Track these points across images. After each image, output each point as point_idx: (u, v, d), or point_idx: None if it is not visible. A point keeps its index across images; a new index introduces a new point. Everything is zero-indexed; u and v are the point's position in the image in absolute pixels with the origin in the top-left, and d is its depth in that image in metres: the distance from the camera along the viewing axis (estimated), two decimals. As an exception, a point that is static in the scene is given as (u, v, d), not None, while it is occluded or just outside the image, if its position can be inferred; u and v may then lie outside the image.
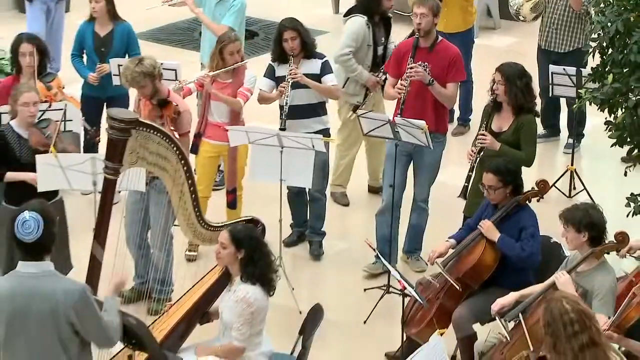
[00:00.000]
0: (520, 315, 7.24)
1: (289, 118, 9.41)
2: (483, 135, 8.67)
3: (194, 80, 9.40)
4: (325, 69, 9.52)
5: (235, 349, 7.29)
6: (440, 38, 9.35)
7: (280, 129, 9.25)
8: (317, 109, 9.60)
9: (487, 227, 7.89)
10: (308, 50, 9.49)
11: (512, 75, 8.61)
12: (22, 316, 5.94)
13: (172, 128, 8.55)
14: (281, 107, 9.43)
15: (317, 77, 9.45)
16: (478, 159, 8.69)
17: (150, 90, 8.69)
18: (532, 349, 6.92)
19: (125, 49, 10.17)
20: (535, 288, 7.41)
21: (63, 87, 9.60)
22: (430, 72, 9.15)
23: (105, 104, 10.04)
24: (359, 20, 10.13)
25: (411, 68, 9.10)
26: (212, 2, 10.71)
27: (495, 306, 7.45)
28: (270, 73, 9.60)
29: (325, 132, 9.54)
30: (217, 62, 9.39)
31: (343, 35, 10.27)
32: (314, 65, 9.50)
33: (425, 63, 9.19)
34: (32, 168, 8.25)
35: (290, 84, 9.34)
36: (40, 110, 8.65)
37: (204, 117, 9.52)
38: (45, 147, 8.35)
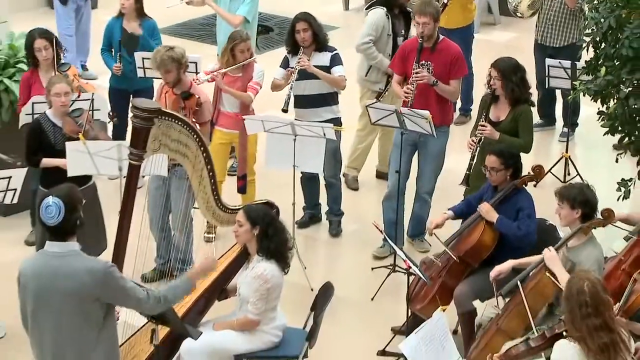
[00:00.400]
0: (518, 283, 7.25)
1: (303, 107, 9.45)
2: (483, 125, 8.67)
3: (207, 79, 9.39)
4: (335, 61, 9.49)
5: (251, 321, 7.32)
6: (441, 37, 9.31)
7: (282, 110, 9.29)
8: (327, 99, 9.58)
9: (486, 210, 7.89)
10: (319, 42, 9.48)
11: (507, 70, 8.63)
12: (47, 292, 5.96)
13: (193, 120, 8.55)
14: (287, 97, 9.41)
15: (326, 69, 9.43)
16: (478, 148, 8.70)
17: (174, 76, 8.70)
18: (529, 315, 6.93)
19: (150, 43, 10.15)
20: (532, 259, 7.42)
21: (80, 75, 9.56)
22: (433, 70, 9.14)
23: (131, 95, 10.04)
24: (379, 12, 10.16)
25: (417, 73, 9.08)
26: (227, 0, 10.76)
27: (493, 272, 7.47)
28: (284, 63, 9.61)
29: (336, 121, 9.52)
30: (227, 59, 9.40)
31: (364, 25, 10.29)
32: (324, 58, 9.48)
33: (429, 62, 9.17)
34: (65, 154, 8.26)
35: (297, 70, 9.33)
36: (71, 100, 8.66)
37: (216, 107, 9.52)
38: (78, 135, 8.35)
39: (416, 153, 9.42)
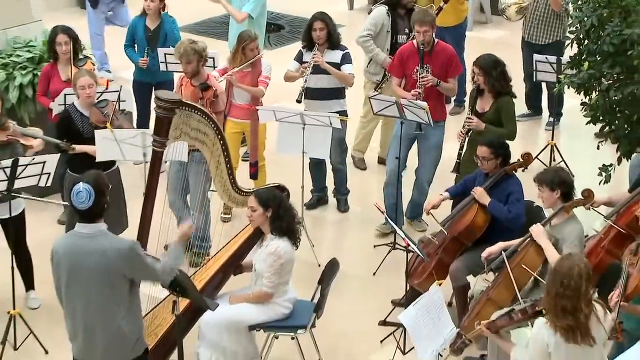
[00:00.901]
0: (504, 256, 7.29)
1: (313, 99, 9.48)
2: (470, 118, 8.72)
3: (223, 79, 9.37)
4: (345, 59, 9.51)
5: (265, 294, 7.36)
6: (436, 40, 9.32)
7: (297, 101, 9.34)
8: (336, 93, 9.60)
9: (480, 193, 7.93)
10: (332, 41, 9.48)
11: (487, 67, 8.71)
12: (77, 269, 6.01)
13: (210, 110, 8.56)
14: (301, 90, 9.44)
15: (337, 66, 9.44)
16: (467, 138, 8.76)
17: (194, 67, 8.72)
18: (515, 286, 6.95)
19: (170, 40, 10.15)
20: (519, 240, 7.46)
21: (94, 69, 9.54)
22: (432, 71, 9.16)
23: (153, 88, 10.04)
24: (381, 9, 10.18)
25: (422, 77, 9.11)
26: None
27: (484, 253, 7.53)
28: (299, 57, 9.63)
29: (343, 113, 9.54)
30: (240, 59, 9.38)
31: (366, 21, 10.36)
32: (336, 55, 9.49)
33: (428, 65, 9.19)
34: (92, 142, 8.27)
35: (311, 66, 9.35)
36: (98, 92, 8.68)
37: (228, 100, 9.53)
38: (103, 124, 8.37)
39: (415, 146, 9.43)
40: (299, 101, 9.36)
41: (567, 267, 5.86)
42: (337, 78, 9.48)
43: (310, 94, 9.50)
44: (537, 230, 7.20)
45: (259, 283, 7.39)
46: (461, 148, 8.82)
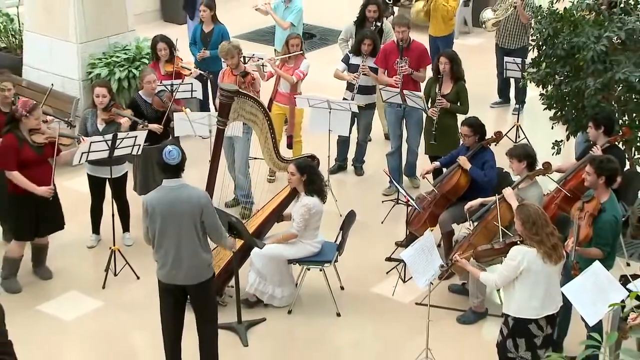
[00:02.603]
0: (485, 213, 7.27)
1: (359, 94, 9.39)
2: (440, 100, 8.67)
3: (267, 64, 9.36)
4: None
5: (291, 234, 7.36)
6: (411, 39, 9.26)
7: (352, 99, 9.25)
8: (372, 90, 9.53)
9: (463, 160, 7.86)
10: (374, 52, 9.38)
11: (453, 58, 8.65)
12: (169, 213, 6.04)
13: (251, 89, 8.48)
14: (353, 86, 9.40)
15: (375, 70, 9.37)
16: (438, 114, 8.72)
17: (236, 61, 8.65)
18: (495, 235, 6.89)
19: (220, 40, 10.06)
20: (492, 198, 7.40)
21: (180, 64, 9.45)
22: (409, 62, 9.12)
23: (209, 75, 9.94)
24: (350, 23, 10.16)
25: (401, 67, 9.09)
26: (282, 9, 10.67)
27: (467, 206, 7.47)
28: (346, 59, 9.55)
29: (372, 105, 9.56)
30: (285, 50, 9.32)
31: None
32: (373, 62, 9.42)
33: (406, 57, 9.14)
34: (154, 121, 8.19)
35: (361, 73, 9.33)
36: (175, 84, 8.66)
37: (275, 88, 9.44)
38: (161, 108, 8.29)
39: (404, 123, 9.33)
40: (352, 98, 9.29)
41: (534, 210, 5.88)
42: (375, 80, 9.42)
43: (353, 89, 9.45)
44: (508, 192, 7.12)
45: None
46: (436, 122, 8.75)
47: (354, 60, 9.44)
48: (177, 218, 6.01)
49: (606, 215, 6.45)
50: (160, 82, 8.64)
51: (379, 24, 9.94)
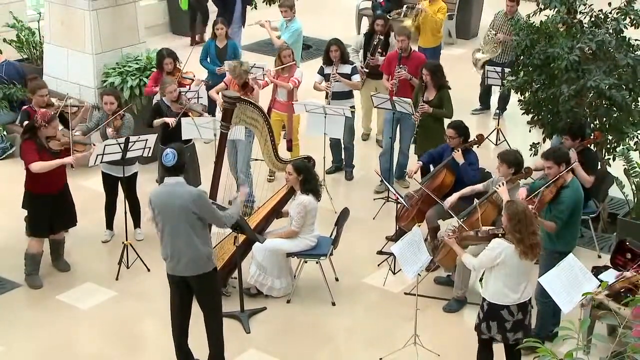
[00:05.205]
0: (476, 207, 7.24)
1: (333, 99, 9.37)
2: (422, 105, 8.66)
3: (264, 74, 9.35)
4: (353, 71, 9.42)
5: (292, 231, 7.33)
6: (412, 49, 9.30)
7: (327, 103, 9.25)
8: (348, 95, 9.52)
9: (458, 155, 7.82)
10: (344, 58, 9.37)
11: (433, 69, 8.62)
12: (167, 208, 6.04)
13: (251, 95, 8.47)
14: (327, 94, 9.42)
15: (348, 76, 9.35)
16: (420, 119, 8.70)
17: (243, 80, 8.63)
18: (480, 226, 6.86)
19: (233, 55, 10.06)
20: (475, 187, 7.45)
21: (181, 74, 9.41)
22: (407, 70, 9.15)
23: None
24: (360, 36, 10.27)
25: (398, 73, 9.15)
26: (284, 27, 10.64)
27: (447, 203, 7.49)
28: (320, 71, 9.54)
29: (352, 108, 9.46)
30: (278, 63, 9.31)
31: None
32: (347, 68, 9.40)
33: (405, 65, 9.17)
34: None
35: (333, 81, 9.30)
36: (183, 91, 8.67)
37: (273, 97, 9.43)
38: (179, 110, 8.34)
39: (398, 127, 9.30)
40: (328, 102, 9.26)
41: (522, 208, 5.86)
42: (348, 86, 9.42)
43: (333, 96, 9.41)
44: (502, 190, 7.04)
45: (291, 224, 7.35)
46: (419, 126, 8.77)
47: (328, 70, 9.41)
48: (170, 212, 6.03)
49: (568, 190, 6.54)
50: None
51: (381, 37, 9.95)
